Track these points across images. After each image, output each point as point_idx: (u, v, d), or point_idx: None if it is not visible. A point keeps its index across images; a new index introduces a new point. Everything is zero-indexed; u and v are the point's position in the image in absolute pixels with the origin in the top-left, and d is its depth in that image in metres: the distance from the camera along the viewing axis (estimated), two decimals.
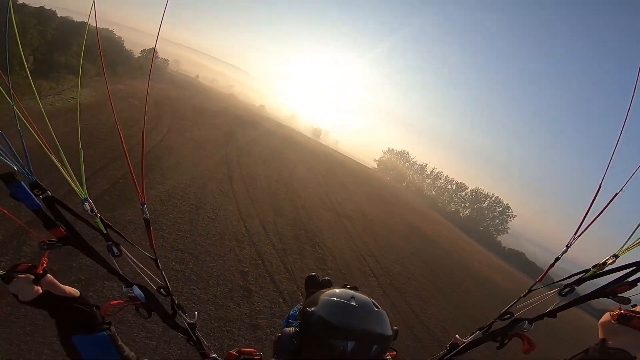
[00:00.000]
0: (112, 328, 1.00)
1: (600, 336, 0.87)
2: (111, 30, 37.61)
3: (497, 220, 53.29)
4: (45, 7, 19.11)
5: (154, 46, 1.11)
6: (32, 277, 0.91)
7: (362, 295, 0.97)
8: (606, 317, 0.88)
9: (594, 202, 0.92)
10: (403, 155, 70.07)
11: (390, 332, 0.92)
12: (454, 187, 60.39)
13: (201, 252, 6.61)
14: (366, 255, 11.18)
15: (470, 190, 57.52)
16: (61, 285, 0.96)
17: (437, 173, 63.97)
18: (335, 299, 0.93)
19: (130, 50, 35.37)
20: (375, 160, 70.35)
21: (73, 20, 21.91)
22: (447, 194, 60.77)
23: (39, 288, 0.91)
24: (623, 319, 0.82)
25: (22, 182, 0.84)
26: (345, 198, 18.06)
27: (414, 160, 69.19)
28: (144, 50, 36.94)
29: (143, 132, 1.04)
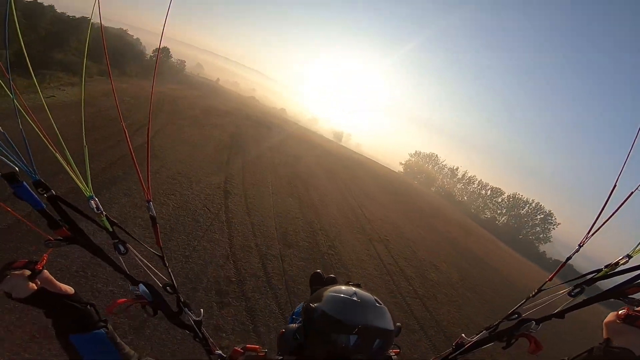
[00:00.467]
0: (109, 326, 1.01)
1: (605, 336, 0.89)
2: (125, 30, 38.62)
3: (538, 228, 50.56)
4: (40, 1, 18.98)
5: (159, 45, 1.15)
6: (29, 272, 0.92)
7: (364, 291, 1.01)
8: (611, 317, 0.90)
9: (609, 200, 0.93)
10: (431, 158, 68.29)
11: (392, 327, 0.95)
12: (489, 192, 58.04)
13: (153, 319, 4.02)
14: (410, 299, 8.22)
15: (507, 196, 55.16)
16: (57, 282, 0.98)
17: (469, 177, 61.75)
18: (338, 294, 0.97)
19: (143, 49, 36.29)
20: (401, 163, 69.08)
21: (71, 17, 21.80)
22: (480, 199, 58.46)
23: (34, 285, 0.93)
24: (629, 319, 0.84)
25: (24, 182, 0.86)
26: (375, 212, 15.50)
27: (443, 163, 67.02)
28: (155, 50, 36.69)
29: (148, 129, 1.10)
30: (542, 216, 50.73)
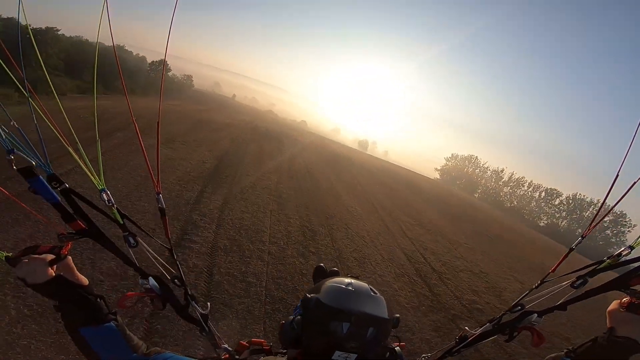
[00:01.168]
0: (119, 318, 1.03)
1: (609, 325, 0.89)
2: (121, 46, 37.34)
3: (608, 232, 46.06)
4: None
5: (164, 59, 1.21)
6: (51, 257, 0.94)
7: (361, 281, 1.04)
8: (614, 305, 0.91)
9: (611, 191, 0.95)
10: (470, 160, 64.59)
11: (386, 316, 0.97)
12: (542, 194, 53.14)
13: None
14: None
15: (566, 197, 50.65)
16: (76, 271, 1.00)
17: (516, 179, 57.11)
18: (333, 284, 1.01)
19: (144, 64, 35.87)
20: (437, 169, 66.27)
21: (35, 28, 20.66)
22: (534, 203, 53.85)
23: (52, 271, 0.94)
24: (633, 308, 0.85)
25: (40, 177, 0.89)
26: (449, 259, 10.44)
27: (485, 165, 62.96)
28: (153, 62, 36.31)
29: (158, 123, 1.14)
30: (611, 218, 44.68)
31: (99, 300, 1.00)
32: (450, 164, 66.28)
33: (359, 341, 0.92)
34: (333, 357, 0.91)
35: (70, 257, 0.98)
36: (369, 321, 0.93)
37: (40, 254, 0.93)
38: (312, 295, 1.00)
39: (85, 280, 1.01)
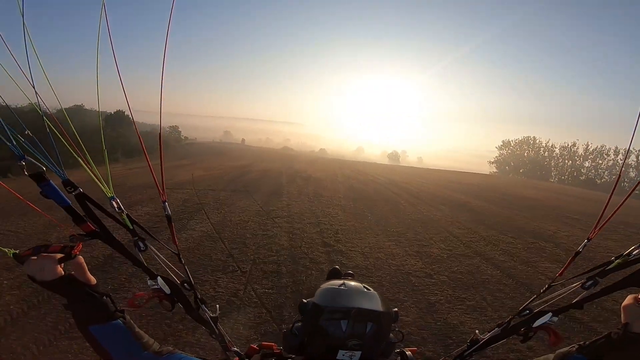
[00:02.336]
0: (127, 316, 1.07)
1: (623, 320, 0.87)
2: (122, 112, 38.19)
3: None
4: None
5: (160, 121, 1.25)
6: (60, 255, 0.97)
7: (354, 281, 1.09)
8: (629, 300, 0.89)
9: (614, 192, 0.92)
10: (527, 143, 59.05)
11: (382, 309, 0.99)
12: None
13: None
14: None
15: None
16: (87, 270, 1.03)
17: (595, 149, 49.91)
18: (327, 286, 1.06)
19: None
20: (490, 162, 61.59)
21: None
22: (633, 172, 46.60)
23: (61, 270, 0.98)
24: None
25: (50, 181, 0.94)
26: None
27: (548, 144, 56.42)
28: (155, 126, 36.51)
29: (160, 134, 1.22)
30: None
31: (105, 298, 1.04)
32: (505, 152, 61.57)
33: (360, 337, 0.94)
34: (337, 358, 0.94)
35: (81, 257, 1.02)
36: (366, 316, 0.96)
37: (51, 252, 0.97)
38: (308, 300, 1.04)
39: (93, 280, 1.05)
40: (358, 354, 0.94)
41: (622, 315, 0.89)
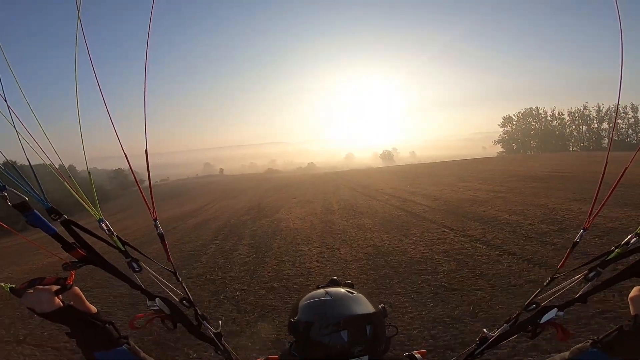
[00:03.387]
0: (131, 342, 1.09)
1: (633, 312, 0.89)
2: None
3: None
4: None
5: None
6: (57, 287, 1.00)
7: (336, 287, 1.09)
8: (636, 291, 0.91)
9: (602, 180, 0.96)
10: (533, 114, 56.62)
11: (372, 310, 1.01)
12: None
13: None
14: None
15: None
16: (85, 300, 1.06)
17: (609, 109, 47.47)
18: (309, 300, 1.05)
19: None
20: (495, 142, 59.08)
21: None
22: None
23: (59, 301, 1.00)
24: None
25: (35, 210, 0.94)
26: None
27: (555, 112, 53.83)
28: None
29: (146, 150, 1.22)
30: None
31: (107, 325, 1.07)
32: (508, 129, 59.30)
33: (363, 343, 0.95)
34: None
35: (77, 288, 1.04)
36: (362, 320, 0.97)
37: (46, 284, 1.00)
38: (295, 319, 1.03)
39: (93, 309, 1.08)
40: (365, 358, 0.96)
41: (630, 307, 0.90)
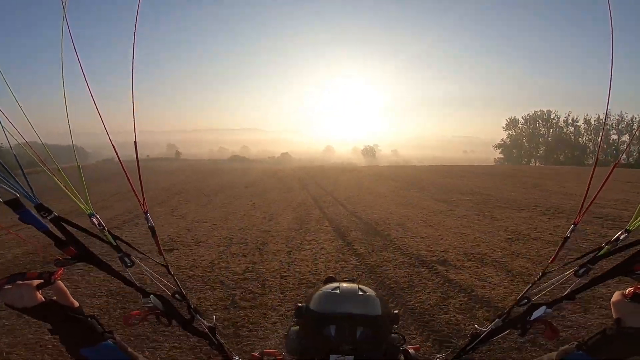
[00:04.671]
0: (116, 336, 1.09)
1: (615, 316, 0.93)
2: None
3: None
4: None
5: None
6: (38, 282, 0.98)
7: (351, 284, 1.10)
8: (618, 296, 0.95)
9: (592, 177, 0.98)
10: (543, 117, 51.50)
11: (376, 313, 1.01)
12: None
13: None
14: None
15: None
16: (69, 295, 1.05)
17: (633, 118, 42.66)
18: (323, 290, 1.09)
19: None
20: (495, 146, 53.18)
21: None
22: None
23: (41, 296, 0.99)
24: (637, 298, 0.89)
25: (27, 208, 0.95)
26: None
27: (569, 117, 48.37)
28: None
29: (135, 141, 1.24)
30: None
31: (90, 319, 1.06)
32: (512, 133, 53.67)
33: (350, 343, 0.98)
34: None
35: (60, 282, 1.04)
36: (356, 321, 0.99)
37: (28, 279, 0.98)
38: (302, 303, 1.09)
39: (75, 303, 1.07)
40: (350, 358, 0.97)
41: (613, 311, 0.95)
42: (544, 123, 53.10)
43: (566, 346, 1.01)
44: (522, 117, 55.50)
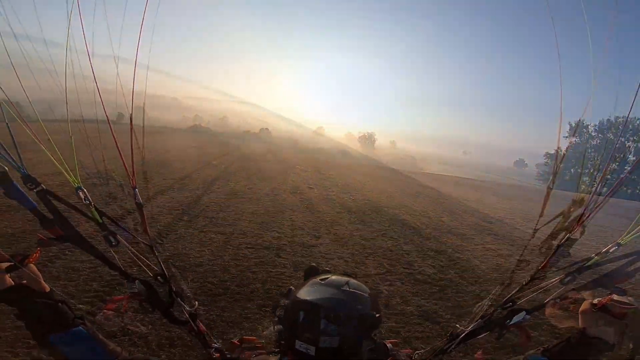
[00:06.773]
0: (88, 323, 1.07)
1: (580, 325, 0.99)
2: None
3: None
4: None
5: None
6: (7, 265, 0.96)
7: (345, 277, 1.10)
8: (586, 305, 1.00)
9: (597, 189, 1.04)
10: (619, 124, 32.93)
11: (346, 309, 1.00)
12: None
13: None
14: None
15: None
16: (42, 279, 1.02)
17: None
18: (311, 279, 1.12)
19: None
20: (546, 158, 45.09)
21: None
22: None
23: (9, 279, 0.97)
24: (606, 309, 0.94)
25: (15, 182, 0.95)
26: None
27: None
28: None
29: (131, 116, 1.23)
30: None
31: (60, 305, 1.03)
32: (578, 139, 39.03)
33: (312, 333, 0.98)
34: (296, 347, 0.99)
35: (33, 266, 1.01)
36: (320, 313, 0.98)
37: None
38: (293, 287, 1.12)
39: (47, 287, 1.04)
40: (313, 348, 0.97)
41: (580, 320, 1.01)
42: (617, 134, 37.68)
43: (532, 351, 1.07)
44: (592, 125, 42.74)
